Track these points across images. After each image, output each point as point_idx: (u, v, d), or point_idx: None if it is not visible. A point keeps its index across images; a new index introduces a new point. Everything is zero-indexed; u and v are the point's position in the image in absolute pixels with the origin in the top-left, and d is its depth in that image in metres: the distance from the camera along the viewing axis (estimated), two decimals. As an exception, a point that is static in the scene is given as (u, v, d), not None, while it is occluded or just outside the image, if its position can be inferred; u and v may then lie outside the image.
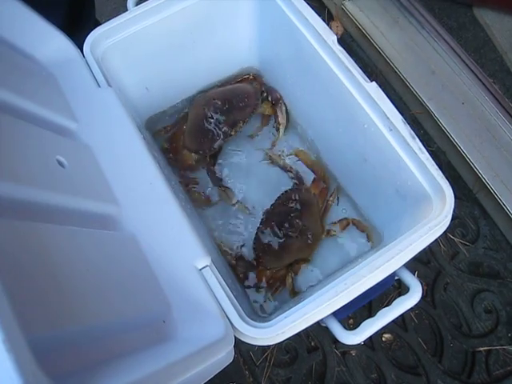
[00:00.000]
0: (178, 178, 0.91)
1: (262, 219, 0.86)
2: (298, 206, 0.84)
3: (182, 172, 0.93)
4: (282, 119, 0.95)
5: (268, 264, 0.83)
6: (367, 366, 0.95)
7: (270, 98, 0.96)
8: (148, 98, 0.92)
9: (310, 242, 0.82)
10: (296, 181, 0.90)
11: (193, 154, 0.91)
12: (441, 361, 0.95)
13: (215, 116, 0.89)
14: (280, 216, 0.84)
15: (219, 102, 0.90)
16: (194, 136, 0.90)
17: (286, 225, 0.82)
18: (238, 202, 0.90)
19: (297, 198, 0.85)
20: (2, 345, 0.25)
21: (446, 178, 0.65)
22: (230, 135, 0.91)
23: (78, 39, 0.76)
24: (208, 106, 0.90)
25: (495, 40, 1.23)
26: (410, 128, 0.67)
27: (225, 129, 0.89)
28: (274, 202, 0.87)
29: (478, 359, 0.94)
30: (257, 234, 0.84)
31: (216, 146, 0.90)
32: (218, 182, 0.91)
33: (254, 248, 0.84)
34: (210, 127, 0.89)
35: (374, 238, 0.85)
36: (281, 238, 0.82)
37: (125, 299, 0.49)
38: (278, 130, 0.96)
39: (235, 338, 0.56)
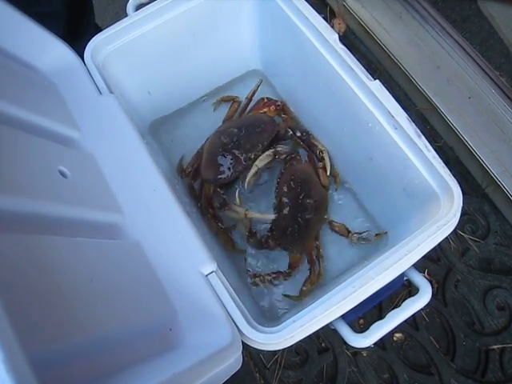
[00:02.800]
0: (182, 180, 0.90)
1: (274, 210, 0.84)
2: (302, 183, 0.83)
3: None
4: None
5: (295, 249, 0.82)
6: (379, 366, 0.94)
7: (298, 133, 0.90)
8: (151, 102, 0.92)
9: (322, 213, 0.84)
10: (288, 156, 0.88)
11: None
12: (453, 360, 0.94)
13: (231, 141, 0.85)
14: (290, 202, 0.82)
15: (235, 130, 0.86)
16: (211, 165, 0.84)
17: (301, 209, 0.81)
18: (247, 210, 0.82)
19: (298, 175, 0.84)
20: (2, 365, 0.25)
21: (454, 174, 0.64)
22: (250, 159, 0.85)
23: (79, 47, 0.76)
24: (224, 134, 0.86)
25: (501, 32, 1.22)
26: (415, 126, 0.66)
27: (243, 153, 0.84)
28: (275, 188, 0.85)
29: (492, 357, 0.93)
30: (272, 226, 0.83)
31: (237, 171, 0.84)
32: (223, 205, 0.84)
33: (275, 238, 0.82)
34: (227, 154, 0.84)
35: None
36: (300, 224, 0.81)
37: (130, 308, 0.49)
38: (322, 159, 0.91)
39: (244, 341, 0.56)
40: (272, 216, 0.83)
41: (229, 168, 0.84)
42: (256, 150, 0.85)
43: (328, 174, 0.87)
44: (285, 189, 0.83)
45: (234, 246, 0.85)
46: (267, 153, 0.87)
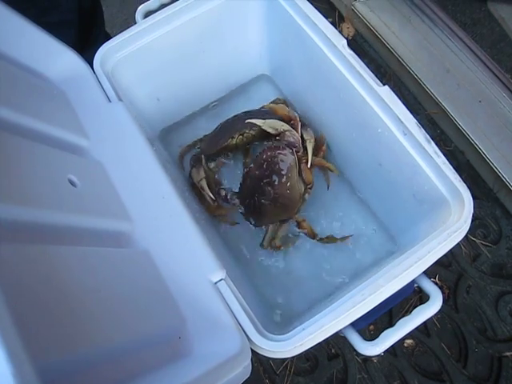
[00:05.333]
0: (191, 188, 0.90)
1: (243, 177, 0.84)
2: (271, 171, 0.80)
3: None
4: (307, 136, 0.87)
5: (252, 220, 0.83)
6: (389, 372, 0.93)
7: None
8: (160, 109, 0.92)
9: (284, 208, 0.81)
10: (278, 137, 0.84)
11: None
12: (465, 366, 0.93)
13: (234, 117, 0.89)
14: (253, 181, 0.81)
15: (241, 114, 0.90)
16: (214, 138, 0.89)
17: (259, 191, 0.80)
18: (201, 180, 0.84)
19: (271, 161, 0.81)
20: (12, 378, 0.25)
21: (465, 178, 0.64)
22: (244, 133, 0.86)
23: (89, 55, 0.77)
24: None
25: (512, 34, 1.20)
26: (424, 132, 0.66)
27: (243, 128, 0.86)
28: (254, 158, 0.84)
29: (505, 364, 0.92)
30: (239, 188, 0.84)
31: (233, 142, 0.86)
32: (196, 162, 0.88)
33: (239, 198, 0.84)
34: (228, 126, 0.88)
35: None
36: (255, 203, 0.81)
37: (139, 317, 0.49)
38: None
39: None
40: (212, 198, 0.84)
41: (228, 138, 0.87)
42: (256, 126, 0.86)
43: (308, 166, 0.83)
44: (256, 165, 0.82)
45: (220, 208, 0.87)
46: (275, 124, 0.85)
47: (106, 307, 0.44)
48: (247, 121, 0.85)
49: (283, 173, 0.80)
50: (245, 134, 0.87)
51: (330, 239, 0.83)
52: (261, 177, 0.81)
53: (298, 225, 0.84)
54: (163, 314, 0.53)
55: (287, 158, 0.81)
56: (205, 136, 0.94)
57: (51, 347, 0.34)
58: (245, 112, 0.92)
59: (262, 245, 0.84)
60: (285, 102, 0.95)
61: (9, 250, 0.38)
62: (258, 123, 0.83)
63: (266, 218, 0.83)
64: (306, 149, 0.84)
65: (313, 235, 0.83)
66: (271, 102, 0.95)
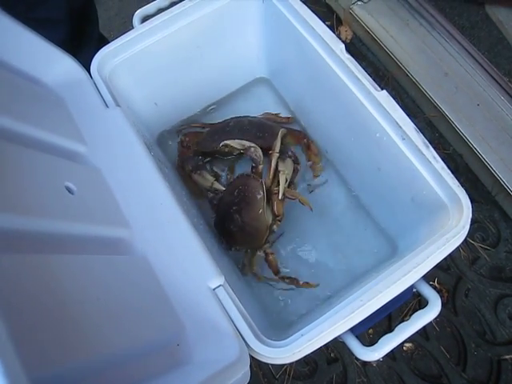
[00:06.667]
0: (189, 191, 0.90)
1: (217, 200, 0.86)
2: (240, 199, 0.81)
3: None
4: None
5: (225, 244, 0.84)
6: (389, 376, 0.93)
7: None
8: (158, 113, 0.92)
9: (251, 237, 0.81)
10: (253, 163, 0.85)
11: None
12: (465, 370, 0.92)
13: (236, 128, 0.90)
14: (225, 206, 0.83)
15: (246, 122, 0.92)
16: (212, 136, 0.91)
17: (228, 217, 0.81)
18: (213, 183, 0.87)
19: (241, 188, 0.82)
20: (7, 392, 0.25)
21: (464, 181, 0.64)
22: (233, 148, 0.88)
23: (83, 56, 0.77)
24: (234, 121, 0.93)
25: (509, 37, 1.20)
26: (423, 136, 0.66)
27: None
28: (229, 183, 0.87)
29: (504, 367, 0.92)
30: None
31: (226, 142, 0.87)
32: (196, 167, 0.90)
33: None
34: (227, 130, 0.90)
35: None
36: (224, 229, 0.83)
37: (138, 324, 0.49)
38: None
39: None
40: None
41: (218, 140, 0.88)
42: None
43: (280, 197, 0.81)
44: (228, 191, 0.84)
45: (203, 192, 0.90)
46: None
47: (104, 315, 0.44)
48: (223, 143, 0.86)
49: (250, 202, 0.81)
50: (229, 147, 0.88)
51: (291, 281, 0.81)
52: (231, 203, 0.82)
53: (266, 257, 0.83)
54: (161, 321, 0.53)
55: (256, 189, 0.81)
56: (211, 124, 0.96)
57: (48, 359, 0.34)
58: (249, 120, 0.93)
59: (242, 272, 0.85)
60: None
61: (4, 260, 0.38)
62: (229, 143, 0.85)
63: (235, 244, 0.84)
64: (278, 181, 0.83)
65: (276, 272, 0.82)
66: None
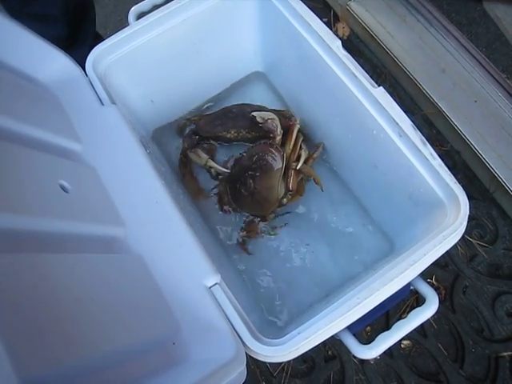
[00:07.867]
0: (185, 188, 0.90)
1: (235, 161, 0.88)
2: (258, 166, 0.82)
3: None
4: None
5: (232, 205, 0.86)
6: (386, 374, 0.93)
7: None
8: (154, 110, 0.92)
9: (259, 205, 0.82)
10: (272, 134, 0.86)
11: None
12: (462, 367, 0.92)
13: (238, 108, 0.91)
14: (240, 169, 0.84)
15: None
16: (213, 121, 0.91)
17: (242, 180, 0.82)
18: (207, 161, 0.88)
19: (261, 156, 0.83)
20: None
21: (461, 178, 0.64)
22: (240, 132, 0.91)
23: (80, 52, 0.76)
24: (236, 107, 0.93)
25: (507, 34, 1.20)
26: (420, 134, 0.65)
27: (241, 128, 0.90)
28: (247, 149, 0.87)
29: (502, 364, 0.92)
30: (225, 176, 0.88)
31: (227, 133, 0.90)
32: (191, 145, 0.91)
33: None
34: (230, 116, 0.91)
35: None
36: (236, 190, 0.84)
37: (132, 323, 0.48)
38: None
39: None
40: (227, 171, 0.87)
41: (222, 126, 0.90)
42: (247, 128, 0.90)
43: (298, 167, 0.84)
44: (248, 155, 0.85)
45: (202, 192, 0.90)
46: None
47: (97, 315, 0.44)
48: (252, 113, 0.86)
49: (268, 171, 0.82)
50: (240, 134, 0.90)
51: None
52: (247, 168, 0.83)
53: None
54: (157, 319, 0.53)
55: (276, 160, 0.82)
56: (207, 114, 0.96)
57: (39, 359, 0.34)
58: (249, 105, 0.93)
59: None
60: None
61: (-2, 259, 0.38)
62: (257, 115, 0.86)
63: (241, 207, 0.86)
64: (299, 156, 0.86)
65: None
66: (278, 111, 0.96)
